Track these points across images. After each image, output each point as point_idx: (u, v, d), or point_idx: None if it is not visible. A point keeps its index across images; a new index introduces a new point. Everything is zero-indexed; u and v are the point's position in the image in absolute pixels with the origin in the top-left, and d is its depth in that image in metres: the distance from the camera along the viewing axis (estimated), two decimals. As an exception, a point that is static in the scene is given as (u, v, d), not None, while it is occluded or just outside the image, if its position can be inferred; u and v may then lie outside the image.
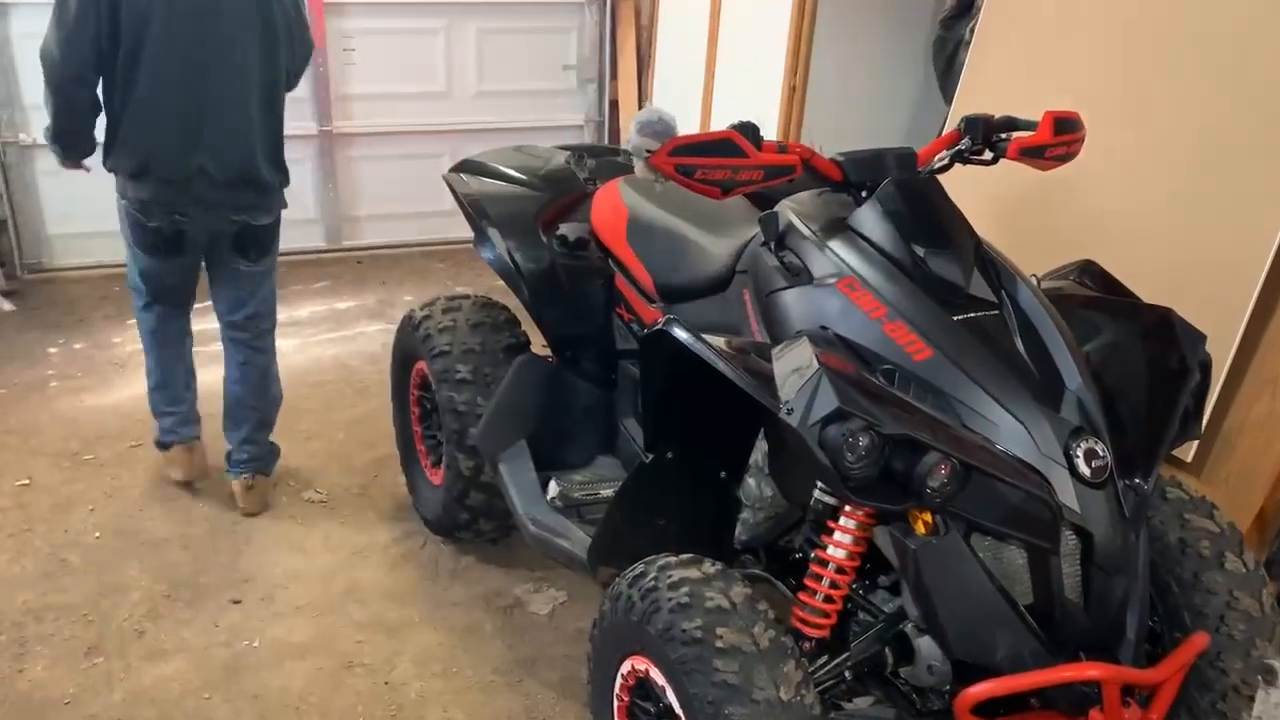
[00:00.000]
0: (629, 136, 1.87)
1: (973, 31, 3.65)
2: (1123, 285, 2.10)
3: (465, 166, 2.90)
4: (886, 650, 1.87)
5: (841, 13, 3.80)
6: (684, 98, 4.80)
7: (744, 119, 1.91)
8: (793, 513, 2.11)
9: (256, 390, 3.19)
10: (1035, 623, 1.69)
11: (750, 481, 2.15)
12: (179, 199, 2.82)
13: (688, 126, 4.68)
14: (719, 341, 1.81)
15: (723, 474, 2.12)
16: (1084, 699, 1.67)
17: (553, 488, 2.50)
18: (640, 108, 5.44)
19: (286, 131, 2.99)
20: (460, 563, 2.88)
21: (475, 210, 2.74)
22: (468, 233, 5.11)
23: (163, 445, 3.21)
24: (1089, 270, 2.17)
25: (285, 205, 3.07)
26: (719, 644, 1.63)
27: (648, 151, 1.84)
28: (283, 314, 4.47)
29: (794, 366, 1.67)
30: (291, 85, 3.02)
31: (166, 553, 2.90)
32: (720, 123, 4.40)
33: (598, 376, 2.66)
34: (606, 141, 5.53)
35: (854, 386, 1.60)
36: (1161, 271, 2.55)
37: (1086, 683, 1.65)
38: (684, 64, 4.80)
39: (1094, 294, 2.07)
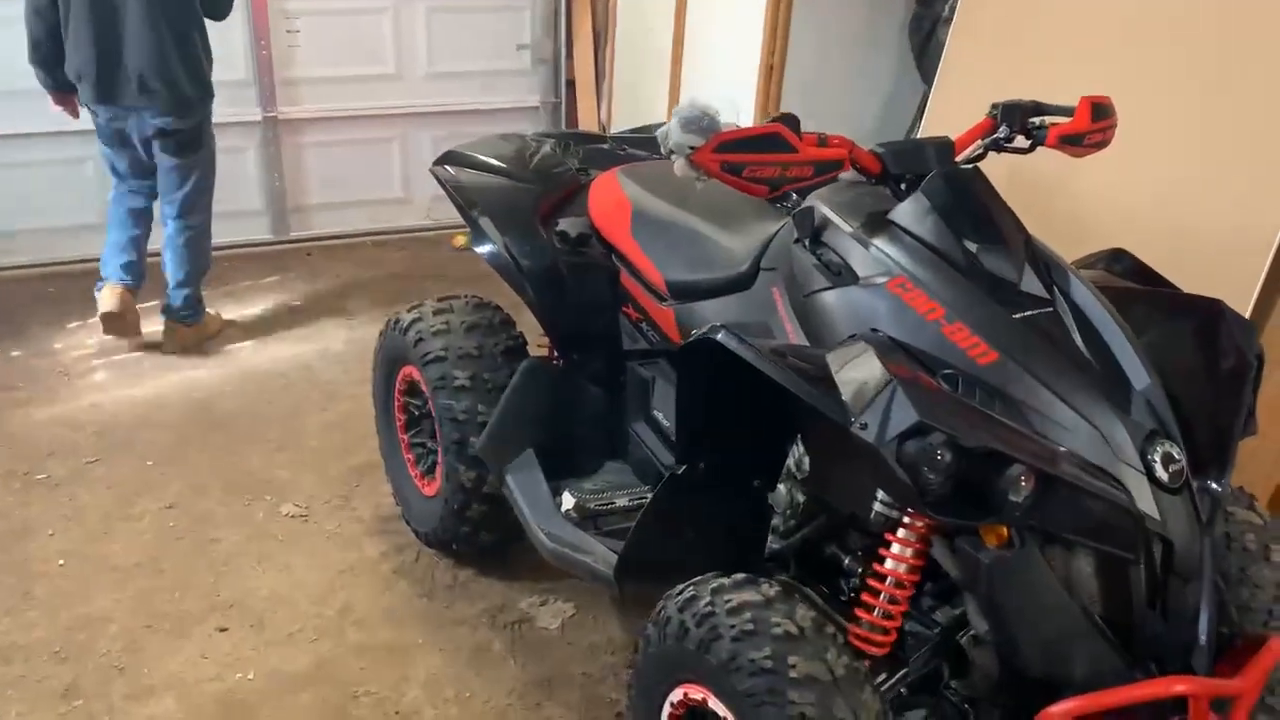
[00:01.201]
0: (667, 132, 1.74)
1: (951, 9, 3.60)
2: (1158, 274, 2.05)
3: (450, 158, 2.74)
4: (943, 663, 1.81)
5: (818, -11, 3.71)
6: (647, 77, 4.67)
7: (706, 101, 1.79)
8: (827, 521, 2.02)
9: (181, 256, 3.90)
10: (1110, 635, 1.63)
11: (783, 489, 2.06)
12: (111, 103, 3.63)
13: (653, 109, 4.56)
14: (770, 349, 1.70)
15: (756, 483, 2.03)
16: (1163, 711, 1.62)
17: (567, 499, 2.38)
18: (598, 87, 5.29)
19: (228, 119, 3.91)
20: (458, 577, 2.74)
21: (468, 205, 2.59)
22: (422, 221, 4.99)
23: (100, 281, 3.88)
24: (1120, 259, 2.11)
25: (209, 114, 3.81)
26: (793, 674, 1.54)
27: (690, 149, 1.71)
28: (236, 312, 4.30)
29: (859, 375, 1.57)
30: (210, 12, 3.69)
31: (140, 579, 2.72)
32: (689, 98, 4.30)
33: (605, 379, 2.53)
34: (564, 123, 5.37)
35: (930, 397, 1.51)
36: (1161, 258, 2.51)
37: (1168, 695, 1.60)
38: (647, 41, 4.66)
39: (1134, 285, 2.01)
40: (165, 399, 3.63)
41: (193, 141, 3.77)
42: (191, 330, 3.98)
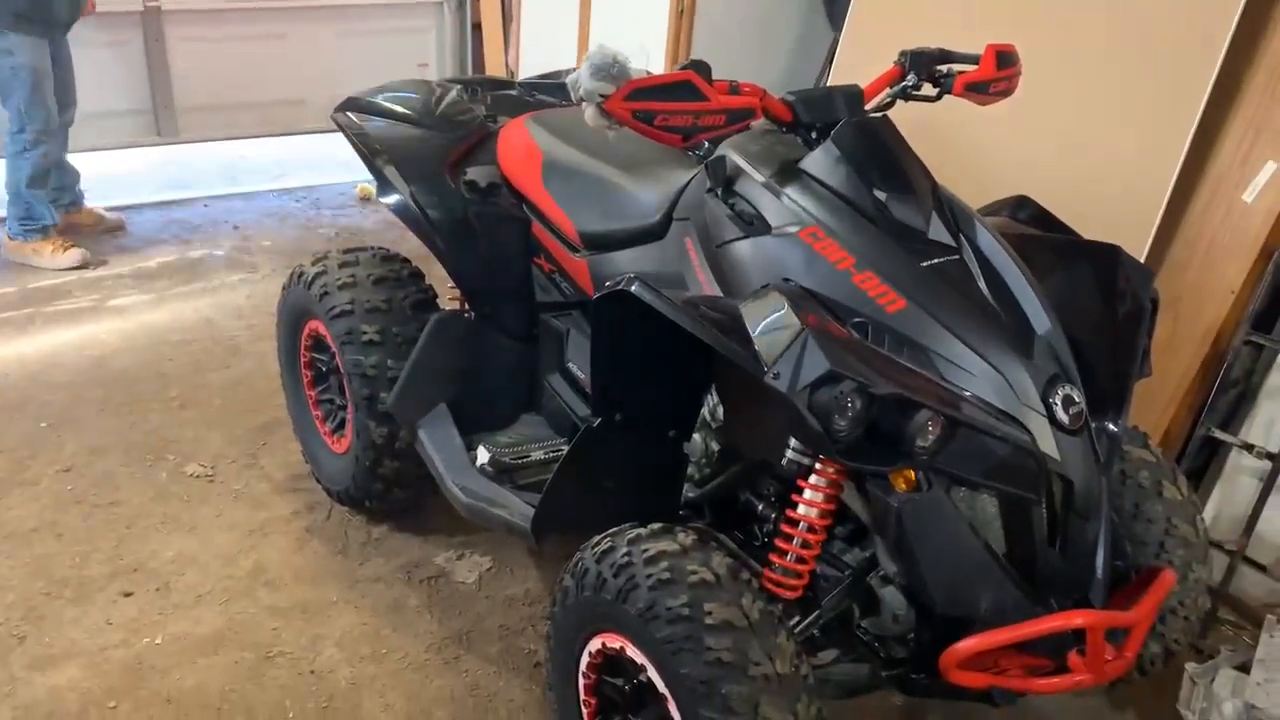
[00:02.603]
0: (578, 79, 1.70)
1: (861, -45, 3.59)
2: (1060, 221, 2.10)
3: (353, 105, 2.66)
4: (854, 604, 1.85)
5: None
6: (556, 21, 4.58)
7: (616, 48, 1.77)
8: (741, 469, 2.05)
9: None
10: (1014, 572, 1.68)
11: (698, 439, 2.07)
12: None
13: (562, 54, 4.47)
14: (683, 300, 1.70)
15: (671, 433, 2.03)
16: (1062, 642, 1.68)
17: (481, 454, 2.36)
18: (506, 31, 5.18)
19: (105, 8, 3.86)
20: (372, 534, 2.71)
21: (373, 154, 2.51)
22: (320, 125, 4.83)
23: None
24: (1024, 206, 2.15)
25: None
26: (709, 620, 1.56)
27: (601, 96, 1.68)
28: (131, 265, 4.14)
29: (770, 325, 1.58)
30: None
31: (37, 544, 2.62)
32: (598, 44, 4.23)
33: (518, 331, 2.51)
34: (471, 68, 5.25)
35: (840, 345, 1.53)
36: (1063, 206, 2.57)
37: (1066, 628, 1.66)
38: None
39: (1036, 232, 2.05)
40: (58, 357, 3.48)
41: None
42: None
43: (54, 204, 4.14)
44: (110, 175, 4.97)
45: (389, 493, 2.62)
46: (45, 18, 3.82)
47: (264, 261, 4.25)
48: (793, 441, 1.75)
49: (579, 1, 4.34)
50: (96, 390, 3.31)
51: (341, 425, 2.70)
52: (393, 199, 2.47)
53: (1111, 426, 1.72)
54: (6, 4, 3.72)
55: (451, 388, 2.45)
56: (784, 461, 1.77)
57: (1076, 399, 1.65)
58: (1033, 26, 2.81)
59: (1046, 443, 1.61)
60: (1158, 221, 2.58)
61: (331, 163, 5.36)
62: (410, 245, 2.73)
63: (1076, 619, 1.62)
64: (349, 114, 2.64)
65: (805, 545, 1.76)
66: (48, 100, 3.94)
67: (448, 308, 2.63)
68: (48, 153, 4.01)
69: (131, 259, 4.21)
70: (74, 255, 4.09)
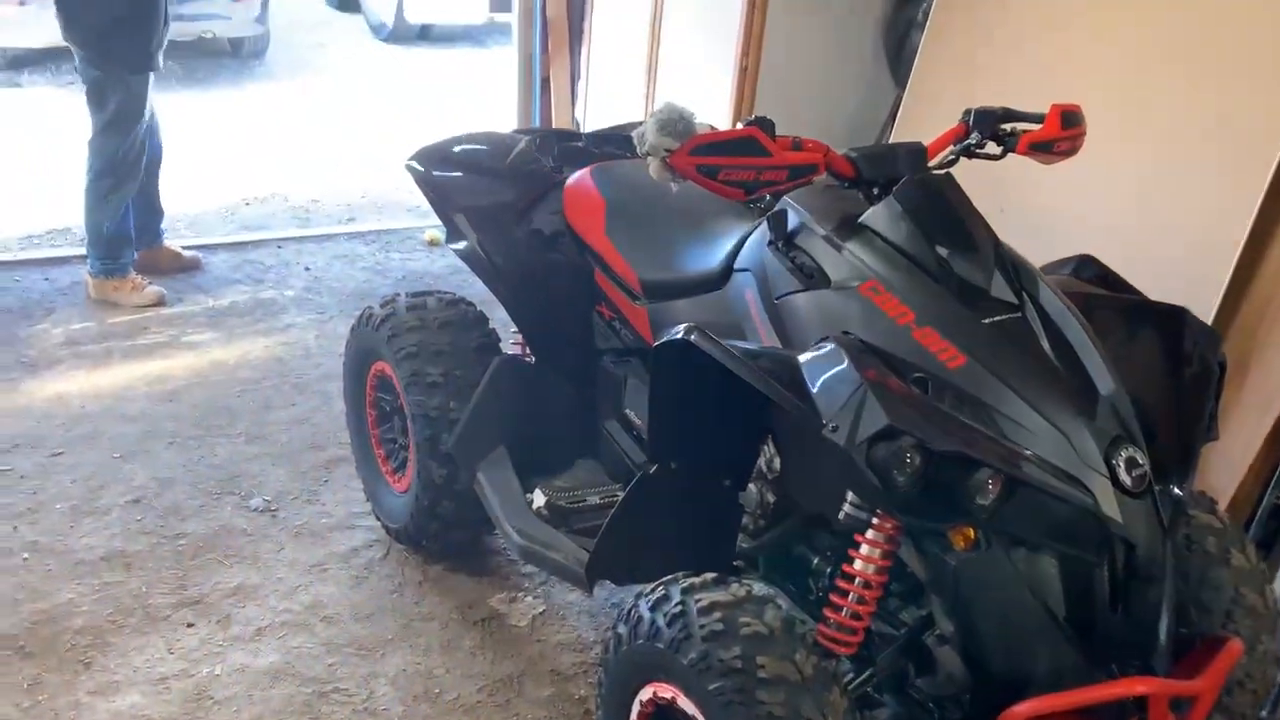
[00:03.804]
0: (644, 134, 1.75)
1: (925, 14, 3.63)
2: (1125, 281, 2.08)
3: (425, 154, 2.73)
4: (909, 662, 1.83)
5: (794, -11, 3.73)
6: (622, 76, 4.67)
7: (678, 103, 1.81)
8: (796, 522, 2.04)
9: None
10: (1073, 635, 1.65)
11: (753, 489, 2.08)
12: None
13: (629, 108, 4.55)
14: (742, 350, 1.72)
15: (727, 482, 2.04)
16: (1123, 710, 1.65)
17: (538, 497, 2.38)
18: (574, 86, 5.28)
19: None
20: (428, 573, 2.74)
21: (443, 202, 2.58)
22: (392, 219, 4.97)
23: None
24: (1088, 265, 2.14)
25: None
26: (761, 674, 1.55)
27: (667, 151, 1.72)
28: (205, 303, 4.27)
29: (829, 378, 1.59)
30: None
31: (106, 573, 2.69)
32: (664, 100, 4.30)
33: (578, 376, 2.54)
34: (539, 118, 5.36)
35: (900, 400, 1.53)
36: (1128, 265, 2.55)
37: (1128, 695, 1.63)
38: (623, 40, 4.66)
39: (1100, 291, 2.04)
40: (132, 390, 3.59)
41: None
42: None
43: (136, 242, 4.29)
44: (188, 215, 5.14)
45: (446, 532, 2.65)
46: (148, 52, 3.97)
47: (332, 302, 4.35)
48: (850, 495, 1.74)
49: (646, 58, 4.42)
50: (168, 424, 3.40)
51: (403, 465, 2.75)
52: (461, 245, 2.53)
53: (1176, 490, 1.69)
54: (115, 50, 3.89)
55: (511, 431, 2.49)
56: (841, 516, 1.76)
57: (1140, 461, 1.63)
58: (1100, 85, 2.81)
59: (1108, 504, 1.59)
60: (1226, 283, 2.54)
61: (400, 208, 5.50)
62: (475, 289, 2.79)
63: (1139, 686, 1.58)
64: (421, 163, 2.71)
65: (861, 601, 1.74)
66: (138, 141, 4.09)
67: (510, 352, 2.68)
68: (128, 193, 4.14)
69: (206, 297, 4.34)
70: (152, 294, 4.21)
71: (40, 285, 4.33)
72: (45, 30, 7.04)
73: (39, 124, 6.58)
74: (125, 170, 4.09)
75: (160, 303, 4.21)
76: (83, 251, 4.50)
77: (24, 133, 6.39)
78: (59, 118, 6.66)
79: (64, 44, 4.01)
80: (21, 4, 7.00)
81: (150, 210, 4.39)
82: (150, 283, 4.26)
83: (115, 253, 4.19)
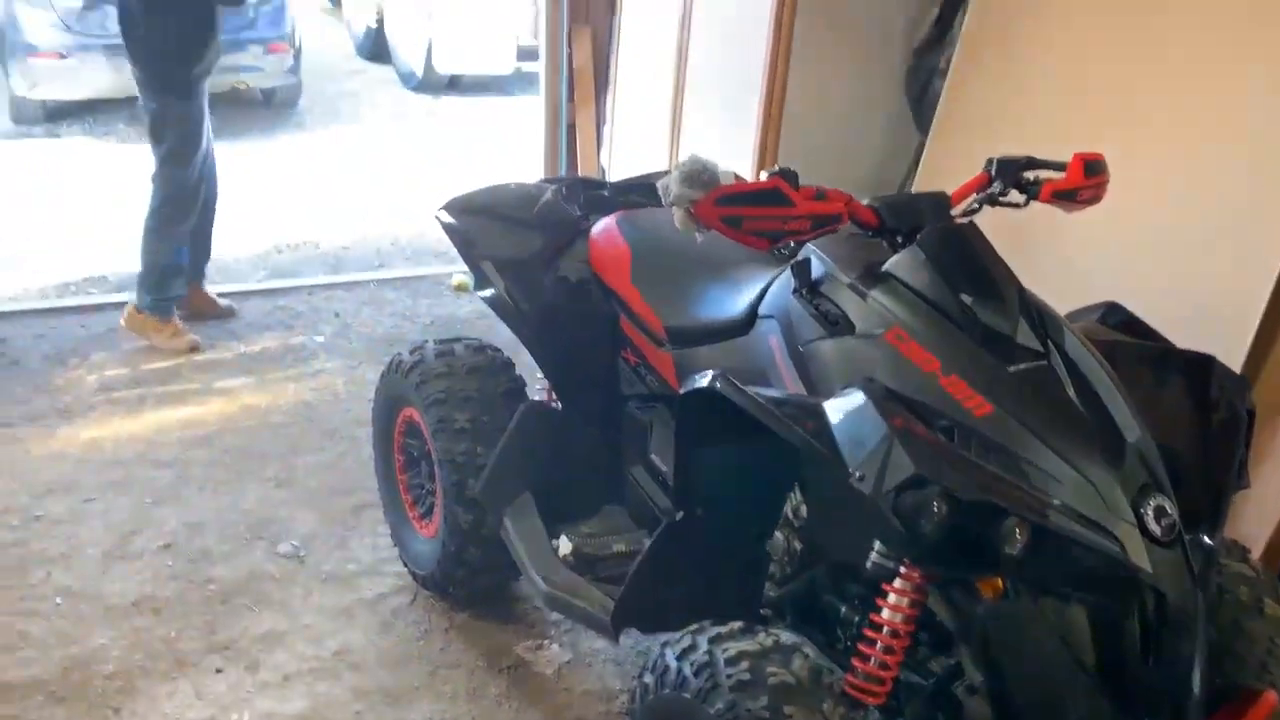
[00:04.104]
0: (668, 185, 1.78)
1: (947, 62, 3.66)
2: (1151, 328, 2.08)
3: (455, 204, 2.77)
4: (938, 713, 1.81)
5: (817, 38, 3.75)
6: (647, 123, 4.72)
7: (702, 155, 1.84)
8: (823, 570, 2.04)
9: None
10: (1104, 686, 1.64)
11: (780, 537, 2.08)
12: None
13: (654, 155, 4.61)
14: (768, 397, 1.73)
15: (753, 530, 2.04)
16: (1157, 763, 1.62)
17: (564, 544, 2.39)
18: (599, 132, 5.35)
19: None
20: (455, 620, 2.75)
21: (471, 250, 2.62)
22: (420, 265, 5.01)
23: None
24: (1114, 312, 2.14)
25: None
26: (788, 724, 1.55)
27: (691, 202, 1.75)
28: (237, 349, 4.33)
29: (856, 426, 1.59)
30: None
31: (137, 617, 2.72)
32: (689, 148, 4.35)
33: (603, 422, 2.55)
34: (565, 165, 5.43)
35: (927, 449, 1.54)
36: (1154, 312, 2.55)
37: (1161, 746, 1.61)
38: (648, 89, 4.73)
39: (1126, 339, 2.04)
40: (164, 436, 3.64)
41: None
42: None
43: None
44: (221, 262, 5.22)
45: (473, 579, 2.66)
46: (191, 77, 4.05)
47: (361, 348, 4.40)
48: (877, 544, 1.74)
49: (670, 106, 4.48)
50: (198, 469, 3.44)
51: (430, 510, 2.77)
52: (489, 293, 2.57)
53: (1207, 539, 1.68)
54: (174, 76, 3.99)
55: (537, 477, 2.50)
56: (868, 564, 1.75)
57: (1169, 510, 1.62)
58: (1124, 132, 2.82)
59: (1138, 554, 1.58)
60: (1254, 330, 2.53)
61: (428, 254, 5.57)
62: (501, 335, 2.82)
63: (1172, 739, 1.56)
64: (451, 213, 2.76)
65: (889, 651, 1.73)
66: (196, 173, 4.19)
67: (536, 398, 2.70)
68: (187, 226, 4.24)
69: (238, 343, 4.39)
70: (186, 341, 4.27)
71: (76, 332, 4.40)
72: (84, 83, 7.29)
73: (76, 174, 6.73)
74: (184, 202, 4.19)
75: (194, 350, 4.27)
76: (118, 298, 4.59)
77: (61, 183, 6.53)
78: (96, 168, 6.81)
79: (102, 96, 4.16)
80: (62, 57, 7.17)
81: (200, 249, 4.48)
82: (189, 330, 4.32)
83: (165, 288, 4.25)
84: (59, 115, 7.60)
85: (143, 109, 4.16)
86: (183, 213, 4.21)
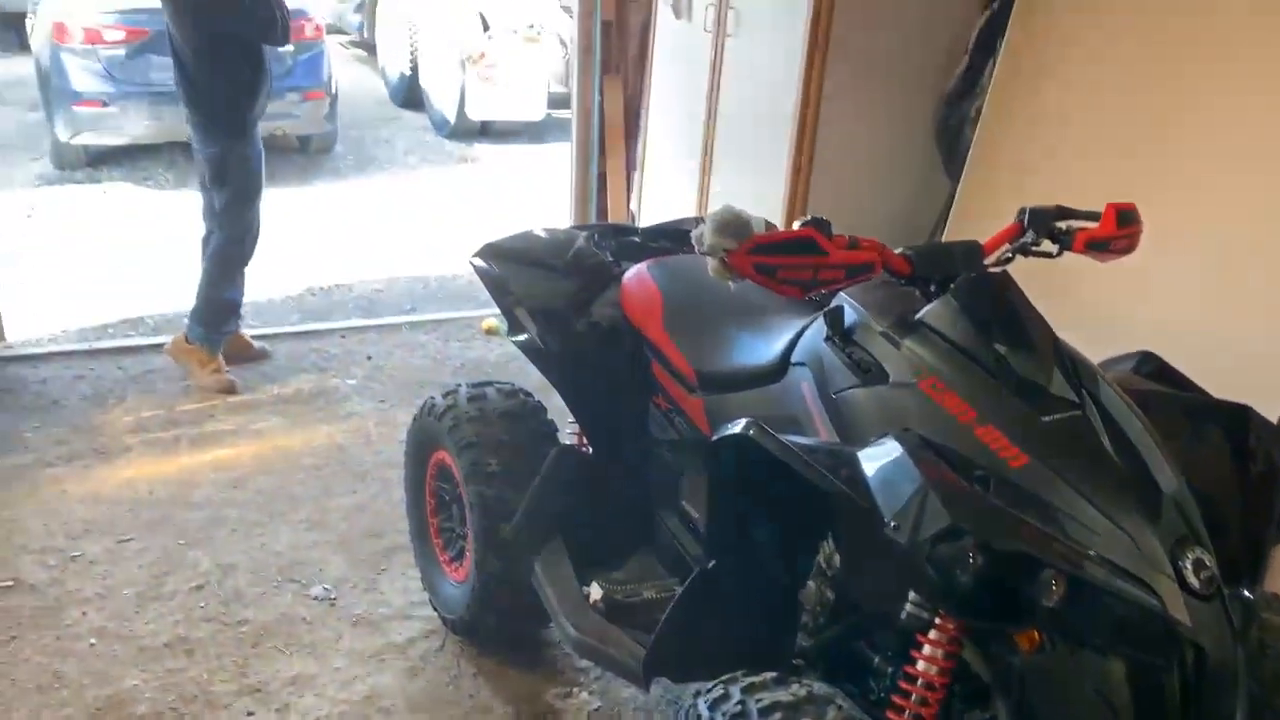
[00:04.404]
0: (702, 234, 1.80)
1: (978, 111, 3.69)
2: (1186, 377, 2.07)
3: (489, 250, 2.81)
4: (973, 766, 1.79)
5: (847, 88, 3.80)
6: (678, 170, 4.77)
7: (735, 205, 1.86)
8: (857, 620, 2.02)
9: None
10: (1142, 742, 1.61)
11: (812, 586, 2.06)
12: None
13: (683, 201, 4.65)
14: (801, 446, 1.73)
15: (785, 579, 2.03)
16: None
17: (595, 590, 2.39)
18: (629, 179, 5.41)
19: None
20: (483, 665, 2.74)
21: (505, 295, 2.65)
22: (452, 309, 5.05)
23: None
24: (1148, 361, 2.13)
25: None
26: (822, 776, 1.53)
27: (725, 251, 1.77)
28: (271, 391, 4.37)
29: (890, 475, 1.59)
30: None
31: (169, 659, 2.73)
32: (719, 200, 4.38)
33: (635, 468, 2.56)
34: (595, 212, 5.49)
35: (962, 499, 1.53)
36: (1189, 362, 2.54)
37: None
38: (678, 136, 4.78)
39: (1161, 389, 2.03)
40: (199, 476, 3.68)
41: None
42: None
43: None
44: (256, 305, 5.29)
45: (503, 624, 2.66)
46: (246, 119, 4.17)
47: (393, 391, 4.43)
48: (912, 594, 1.73)
49: (700, 154, 4.52)
50: (231, 510, 3.47)
51: (460, 555, 2.78)
52: (522, 338, 2.59)
53: (1246, 593, 1.66)
54: (224, 114, 4.09)
55: (568, 522, 2.51)
56: (903, 615, 1.74)
57: (1207, 563, 1.60)
58: (1158, 180, 2.82)
59: (1176, 607, 1.56)
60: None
61: (459, 298, 5.62)
62: (531, 378, 2.84)
63: (1214, 798, 1.53)
64: (485, 258, 2.79)
65: (924, 703, 1.72)
66: (259, 212, 4.32)
67: (567, 442, 2.72)
68: (246, 263, 4.36)
69: (272, 385, 4.44)
70: (224, 381, 4.32)
71: (114, 374, 4.47)
72: (125, 129, 7.46)
73: (116, 218, 6.87)
74: (252, 240, 4.32)
75: (230, 391, 4.32)
76: (155, 340, 4.67)
77: (102, 227, 6.67)
78: (135, 213, 6.96)
79: (142, 142, 4.26)
80: (104, 104, 7.35)
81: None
82: (229, 371, 4.38)
83: (220, 325, 4.35)
84: (100, 160, 7.78)
85: (200, 155, 4.23)
86: (248, 252, 4.33)
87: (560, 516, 2.51)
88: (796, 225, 1.84)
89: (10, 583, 3.03)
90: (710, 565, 1.98)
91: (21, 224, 6.63)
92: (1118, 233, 2.05)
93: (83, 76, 7.30)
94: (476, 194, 7.75)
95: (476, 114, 8.91)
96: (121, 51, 7.26)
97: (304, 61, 7.76)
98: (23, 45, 10.21)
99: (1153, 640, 1.57)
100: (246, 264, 4.38)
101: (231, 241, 4.28)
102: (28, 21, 9.24)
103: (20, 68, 9.35)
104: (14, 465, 3.69)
